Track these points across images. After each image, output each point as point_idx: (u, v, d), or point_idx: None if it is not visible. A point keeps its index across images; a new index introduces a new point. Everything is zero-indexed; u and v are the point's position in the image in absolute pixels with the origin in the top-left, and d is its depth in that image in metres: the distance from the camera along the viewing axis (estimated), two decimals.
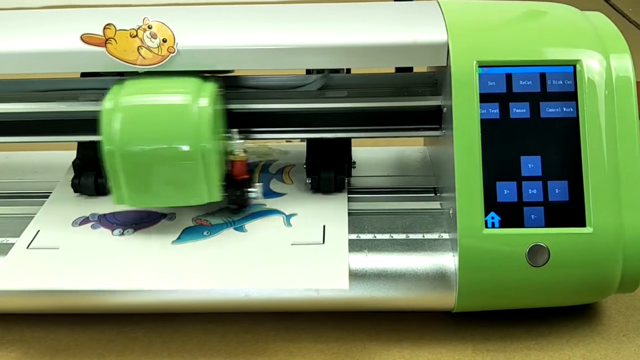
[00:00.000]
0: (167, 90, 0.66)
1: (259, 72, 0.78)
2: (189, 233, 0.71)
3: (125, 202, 0.67)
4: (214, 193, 0.67)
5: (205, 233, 0.70)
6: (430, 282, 0.66)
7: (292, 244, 0.68)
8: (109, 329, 0.71)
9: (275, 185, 0.80)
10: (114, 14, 0.69)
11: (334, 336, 0.70)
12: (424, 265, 0.66)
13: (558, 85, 0.65)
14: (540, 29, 0.68)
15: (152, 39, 0.66)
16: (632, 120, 0.63)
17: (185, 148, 0.64)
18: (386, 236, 0.69)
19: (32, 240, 0.70)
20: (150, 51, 0.66)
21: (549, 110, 0.64)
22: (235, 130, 0.71)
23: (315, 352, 0.68)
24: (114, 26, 0.66)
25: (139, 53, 0.66)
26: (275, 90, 0.77)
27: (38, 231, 0.71)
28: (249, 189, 0.71)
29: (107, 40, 0.66)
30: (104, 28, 0.66)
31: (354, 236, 0.70)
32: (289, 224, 0.72)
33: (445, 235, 0.69)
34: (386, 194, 0.78)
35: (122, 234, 0.71)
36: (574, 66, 0.64)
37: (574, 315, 0.71)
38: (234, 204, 0.73)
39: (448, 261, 0.66)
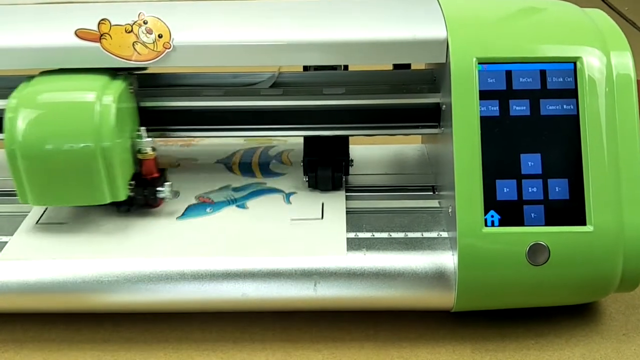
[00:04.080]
0: (72, 87, 0.66)
1: (256, 69, 0.78)
2: (193, 210, 0.74)
3: (28, 202, 0.67)
4: (117, 192, 0.67)
5: (208, 210, 0.73)
6: (429, 281, 0.65)
7: (291, 220, 0.71)
8: (103, 329, 0.71)
9: (275, 166, 0.83)
10: (109, 9, 0.68)
11: (332, 336, 0.69)
12: (423, 264, 0.66)
13: (558, 82, 0.64)
14: (540, 26, 0.67)
15: (147, 34, 0.65)
16: (632, 118, 0.63)
17: (86, 147, 0.63)
18: (384, 235, 0.69)
19: (41, 216, 0.72)
20: (146, 47, 0.65)
21: (549, 107, 0.64)
22: (143, 128, 0.70)
23: (312, 352, 0.67)
24: (109, 21, 0.65)
25: (134, 49, 0.65)
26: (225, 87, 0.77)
27: (46, 208, 0.73)
28: (158, 188, 0.71)
29: (101, 35, 0.65)
30: (99, 23, 0.65)
31: (352, 235, 0.69)
32: (288, 202, 0.75)
33: (444, 234, 0.68)
34: (384, 192, 0.78)
35: (129, 210, 0.72)
36: (575, 63, 0.64)
37: (573, 315, 0.71)
38: (143, 203, 0.72)
39: (447, 260, 0.65)
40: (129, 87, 0.69)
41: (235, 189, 0.78)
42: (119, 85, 0.67)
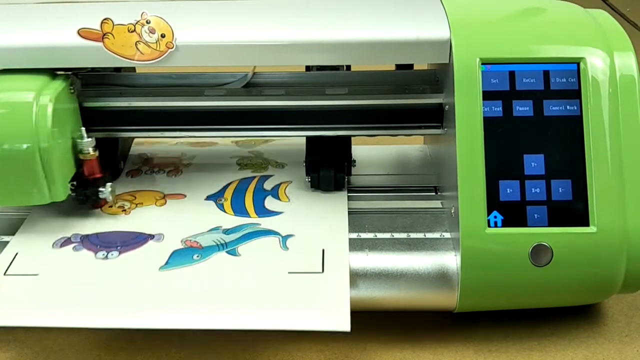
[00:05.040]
0: (10, 88, 0.65)
1: (258, 69, 0.78)
2: (178, 256, 0.66)
3: None
4: (57, 193, 0.66)
5: (195, 257, 0.66)
6: (431, 281, 0.65)
7: (288, 273, 0.63)
8: (105, 330, 0.70)
9: (270, 203, 0.75)
10: (112, 8, 0.68)
11: (334, 336, 0.69)
12: (426, 264, 0.65)
13: (562, 83, 0.64)
14: (544, 26, 0.67)
15: (150, 34, 0.65)
16: (636, 119, 0.63)
17: (23, 147, 0.63)
18: (387, 235, 0.69)
19: (9, 265, 0.65)
20: (149, 46, 0.65)
21: (553, 108, 0.64)
22: (83, 128, 0.70)
23: (314, 352, 0.67)
24: (112, 21, 0.65)
25: (137, 48, 0.65)
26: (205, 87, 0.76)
27: (16, 254, 0.67)
28: (100, 189, 0.70)
29: (104, 35, 0.65)
30: (102, 23, 0.65)
31: (354, 235, 0.69)
32: (285, 247, 0.67)
33: (447, 235, 0.68)
34: (387, 193, 0.78)
35: (106, 257, 0.66)
36: (578, 64, 0.64)
37: (576, 316, 0.71)
38: (85, 203, 0.72)
39: (450, 261, 0.65)
40: (69, 88, 0.68)
41: (226, 231, 0.69)
42: (58, 86, 0.66)
